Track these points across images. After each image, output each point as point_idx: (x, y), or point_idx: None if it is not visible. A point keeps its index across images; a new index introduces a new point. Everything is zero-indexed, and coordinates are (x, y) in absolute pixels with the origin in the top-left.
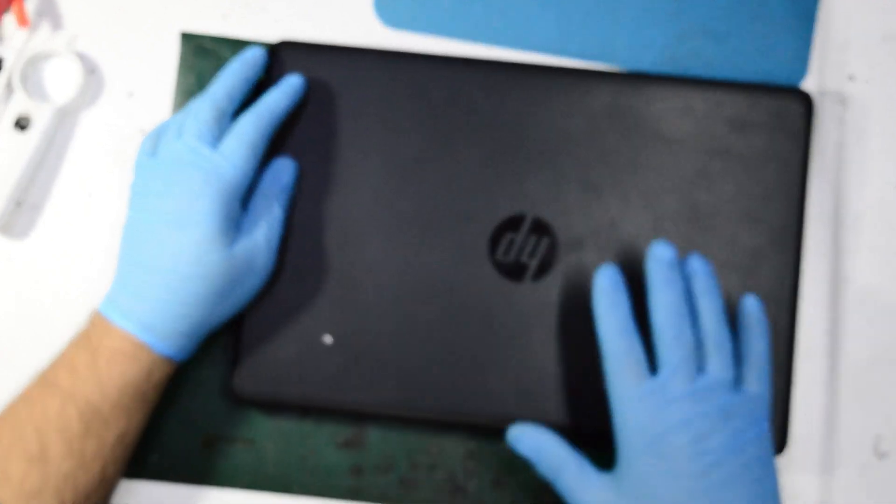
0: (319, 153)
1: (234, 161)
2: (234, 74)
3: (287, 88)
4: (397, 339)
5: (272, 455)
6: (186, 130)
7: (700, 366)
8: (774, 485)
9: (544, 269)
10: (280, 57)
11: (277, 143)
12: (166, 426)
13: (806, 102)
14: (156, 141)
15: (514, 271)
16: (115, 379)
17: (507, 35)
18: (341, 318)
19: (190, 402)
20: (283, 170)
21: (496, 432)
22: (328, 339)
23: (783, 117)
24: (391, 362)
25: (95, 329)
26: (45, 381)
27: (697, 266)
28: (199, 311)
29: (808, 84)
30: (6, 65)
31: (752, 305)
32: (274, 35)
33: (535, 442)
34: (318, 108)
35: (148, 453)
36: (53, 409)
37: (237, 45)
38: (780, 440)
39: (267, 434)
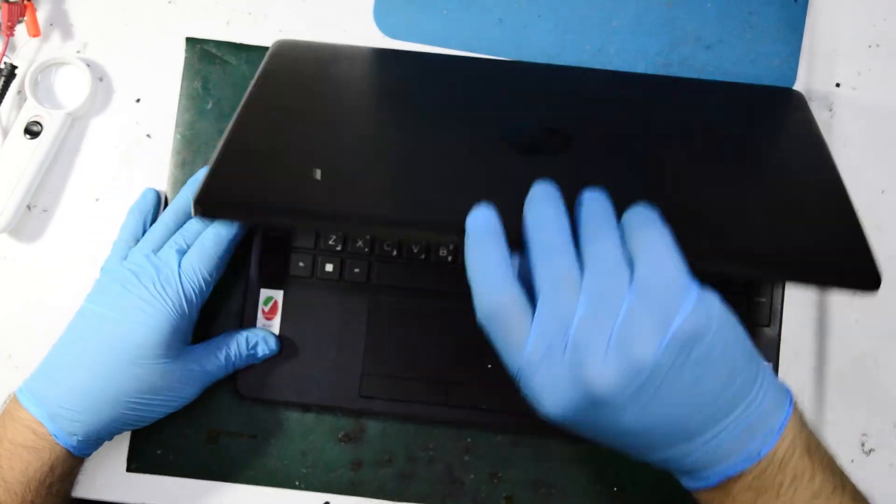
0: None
1: (193, 278)
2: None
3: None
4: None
5: (274, 449)
6: (160, 245)
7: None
8: (726, 369)
9: (562, 145)
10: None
11: None
12: (170, 421)
13: (799, 96)
14: (126, 251)
15: (529, 147)
16: (18, 475)
17: (504, 44)
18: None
19: None
20: (254, 341)
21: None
22: (318, 173)
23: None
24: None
25: (2, 419)
26: None
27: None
28: (115, 408)
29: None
30: (18, 73)
31: (636, 207)
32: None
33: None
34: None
35: (152, 448)
36: None
37: (241, 50)
38: None
39: (269, 429)
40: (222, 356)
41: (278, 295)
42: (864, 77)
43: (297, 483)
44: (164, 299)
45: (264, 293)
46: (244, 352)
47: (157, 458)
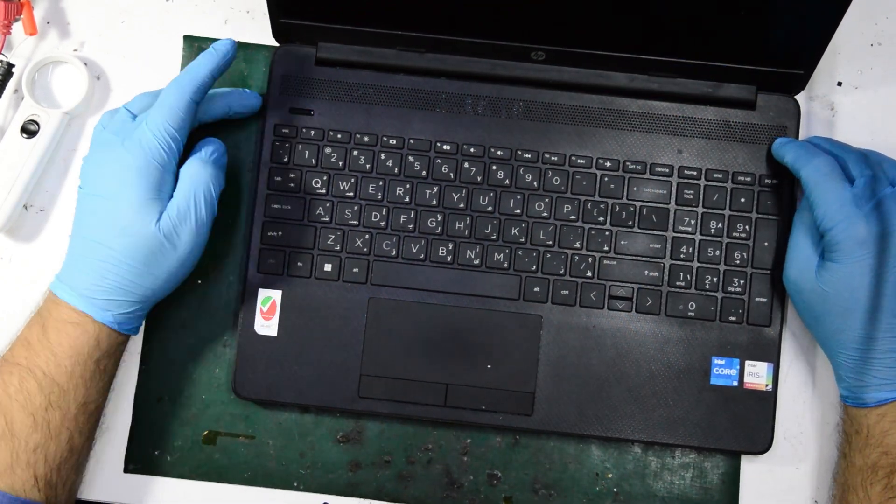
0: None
1: (156, 132)
2: (199, 64)
3: (211, 54)
4: None
5: (272, 450)
6: (126, 106)
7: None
8: None
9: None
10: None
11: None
12: (168, 422)
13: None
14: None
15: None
16: (66, 348)
17: None
18: None
19: (191, 398)
20: (214, 149)
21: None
22: None
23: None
24: None
25: (46, 304)
26: (3, 360)
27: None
28: (129, 282)
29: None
30: (15, 71)
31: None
32: (273, 40)
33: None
34: None
35: (150, 449)
36: (13, 386)
37: (239, 49)
38: (766, 439)
39: (267, 430)
40: (197, 184)
41: (276, 295)
42: (866, 75)
43: (295, 484)
44: (132, 161)
45: (262, 293)
46: (209, 159)
47: (154, 459)
